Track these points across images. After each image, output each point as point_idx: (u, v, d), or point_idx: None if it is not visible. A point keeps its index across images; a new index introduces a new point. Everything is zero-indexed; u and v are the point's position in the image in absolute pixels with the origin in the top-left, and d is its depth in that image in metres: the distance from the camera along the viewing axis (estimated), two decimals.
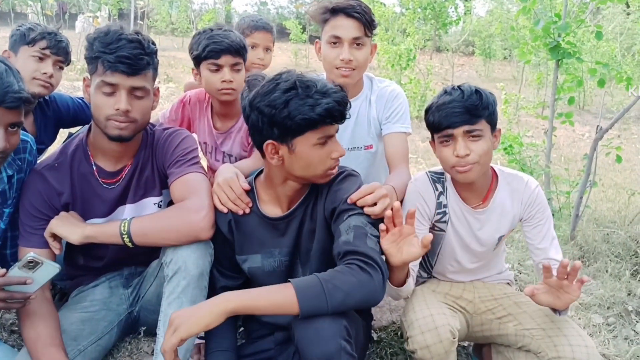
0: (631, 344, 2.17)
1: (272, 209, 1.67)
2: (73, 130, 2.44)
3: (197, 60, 2.13)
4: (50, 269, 1.53)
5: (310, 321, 1.34)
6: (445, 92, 1.70)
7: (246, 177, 1.75)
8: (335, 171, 1.56)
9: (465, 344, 2.10)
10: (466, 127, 1.64)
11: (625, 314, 2.37)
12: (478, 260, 1.92)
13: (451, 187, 1.84)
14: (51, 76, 2.17)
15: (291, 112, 1.45)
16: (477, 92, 1.67)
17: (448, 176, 1.85)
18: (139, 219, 1.66)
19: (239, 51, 2.12)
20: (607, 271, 2.76)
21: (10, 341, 1.94)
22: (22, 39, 2.15)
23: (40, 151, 2.32)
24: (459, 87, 1.70)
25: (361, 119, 2.19)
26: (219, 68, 2.10)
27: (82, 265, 1.91)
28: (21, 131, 1.73)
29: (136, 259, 1.92)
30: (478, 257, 1.91)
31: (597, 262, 2.86)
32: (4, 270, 1.48)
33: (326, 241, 1.61)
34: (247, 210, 1.65)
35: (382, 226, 1.52)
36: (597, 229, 3.14)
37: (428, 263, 1.97)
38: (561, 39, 3.35)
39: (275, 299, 1.35)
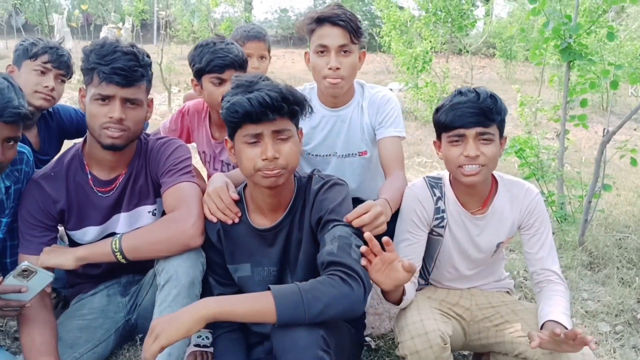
0: (639, 353, 2.10)
1: (260, 219, 1.67)
2: (78, 141, 2.49)
3: (199, 73, 2.15)
4: (44, 277, 1.57)
5: (287, 330, 1.34)
6: (460, 92, 1.69)
7: (237, 186, 1.76)
8: (273, 173, 1.50)
9: (466, 353, 2.06)
10: (479, 129, 1.64)
11: (634, 322, 2.29)
12: (476, 267, 1.89)
13: (450, 192, 1.82)
14: (53, 89, 2.22)
15: (223, 109, 1.51)
16: (492, 96, 1.67)
17: (446, 181, 1.83)
18: (129, 235, 1.68)
19: (242, 65, 2.15)
20: (617, 277, 2.68)
21: (13, 348, 1.99)
22: (25, 54, 2.21)
23: (45, 162, 2.34)
24: (474, 89, 1.68)
25: (354, 125, 2.19)
26: (222, 82, 2.12)
27: (80, 273, 1.94)
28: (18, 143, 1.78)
29: (133, 266, 1.92)
30: (476, 264, 1.88)
31: (607, 268, 2.78)
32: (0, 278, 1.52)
33: (313, 251, 1.61)
34: (236, 220, 1.66)
35: (362, 261, 1.48)
36: (608, 234, 3.05)
37: (425, 270, 1.95)
38: (572, 40, 3.28)
39: (254, 306, 1.35)
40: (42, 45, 2.21)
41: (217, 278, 1.73)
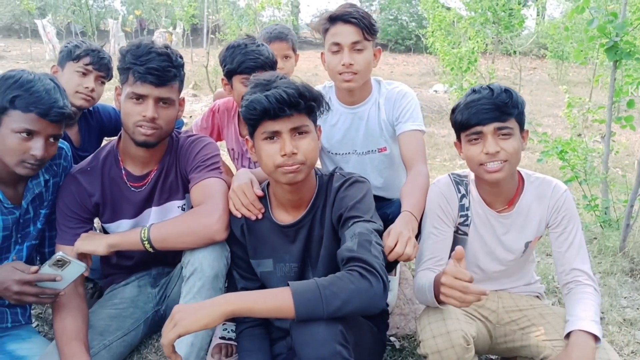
0: None
1: (283, 215, 1.69)
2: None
3: (230, 73, 2.20)
4: (77, 268, 1.65)
5: (306, 325, 1.36)
6: (474, 91, 1.68)
7: (262, 182, 1.79)
8: (292, 169, 1.52)
9: (493, 358, 2.01)
10: (496, 124, 1.62)
11: None
12: (503, 268, 1.85)
13: (474, 190, 1.79)
14: (92, 90, 2.33)
15: (242, 107, 1.53)
16: (507, 90, 1.65)
17: (471, 178, 1.81)
18: (158, 225, 1.74)
19: (272, 66, 2.19)
20: None
21: (51, 334, 2.09)
22: (69, 55, 2.33)
23: (84, 158, 2.47)
24: (487, 86, 1.67)
25: (372, 122, 2.20)
26: None
27: (114, 264, 2.03)
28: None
29: (163, 259, 2.01)
30: (503, 264, 1.84)
31: None
32: (36, 267, 1.61)
33: (333, 247, 1.61)
34: (260, 216, 1.69)
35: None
36: None
37: None
38: (619, 38, 3.15)
39: (273, 302, 1.37)
40: (85, 47, 2.32)
41: (240, 272, 1.77)
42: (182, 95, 1.88)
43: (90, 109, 2.50)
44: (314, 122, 1.60)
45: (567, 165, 3.39)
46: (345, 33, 2.04)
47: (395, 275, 2.32)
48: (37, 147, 1.64)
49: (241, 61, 2.14)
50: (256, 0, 10.65)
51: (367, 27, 2.04)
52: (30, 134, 1.63)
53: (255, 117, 1.51)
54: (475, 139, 1.65)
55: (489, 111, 1.61)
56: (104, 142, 2.62)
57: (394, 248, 1.56)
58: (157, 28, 19.23)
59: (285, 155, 1.50)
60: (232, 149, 2.42)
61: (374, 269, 1.41)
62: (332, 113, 2.19)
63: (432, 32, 9.18)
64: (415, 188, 1.86)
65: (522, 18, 8.39)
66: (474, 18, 7.96)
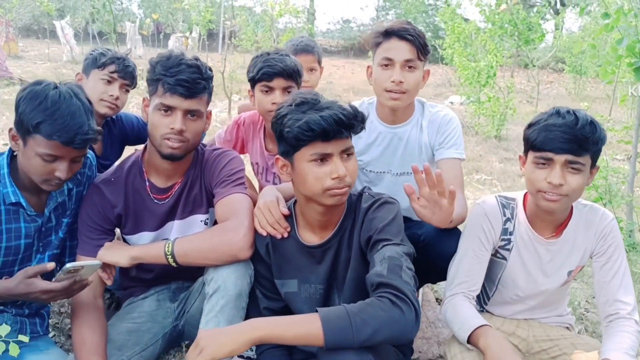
0: None
1: (309, 236, 1.66)
2: (139, 147, 2.58)
3: (252, 82, 2.19)
4: (92, 267, 1.63)
5: (335, 354, 1.32)
6: (558, 113, 1.57)
7: (288, 200, 1.76)
8: (341, 192, 1.50)
9: None
10: (569, 157, 1.53)
11: None
12: (541, 296, 1.78)
13: (522, 215, 1.73)
14: (117, 98, 2.32)
15: (285, 127, 1.48)
16: (592, 123, 1.54)
17: (519, 202, 1.74)
18: (182, 240, 1.71)
19: (291, 75, 2.15)
20: None
21: (67, 345, 2.06)
22: (94, 63, 2.31)
23: (106, 167, 2.45)
24: (573, 112, 1.56)
25: (411, 144, 2.14)
26: (270, 90, 2.14)
27: (134, 276, 2.00)
28: None
29: (183, 273, 1.97)
30: (543, 293, 1.77)
31: None
32: (52, 264, 1.60)
33: (361, 270, 1.57)
34: (285, 235, 1.66)
35: (408, 189, 1.57)
36: None
37: (485, 294, 1.87)
38: None
39: (301, 330, 1.33)
40: (110, 55, 2.31)
41: (263, 291, 1.73)
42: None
43: (114, 117, 2.49)
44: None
45: (591, 187, 3.32)
46: (400, 49, 1.99)
47: (417, 297, 2.27)
48: (61, 169, 1.62)
49: (260, 68, 2.13)
50: (273, 8, 10.70)
51: (421, 46, 2.00)
52: (54, 158, 1.60)
53: (308, 138, 1.47)
54: (542, 164, 1.57)
55: (567, 142, 1.51)
56: (125, 151, 2.60)
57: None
58: (174, 32, 19.37)
59: (337, 178, 1.47)
60: (257, 163, 2.39)
61: (405, 296, 1.36)
62: (370, 130, 2.14)
63: (451, 44, 9.15)
64: (457, 209, 1.80)
65: (543, 32, 8.32)
66: (494, 31, 7.90)
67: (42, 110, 1.56)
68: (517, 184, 5.88)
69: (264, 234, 1.66)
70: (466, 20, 10.46)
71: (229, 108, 8.87)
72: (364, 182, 2.22)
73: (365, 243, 1.57)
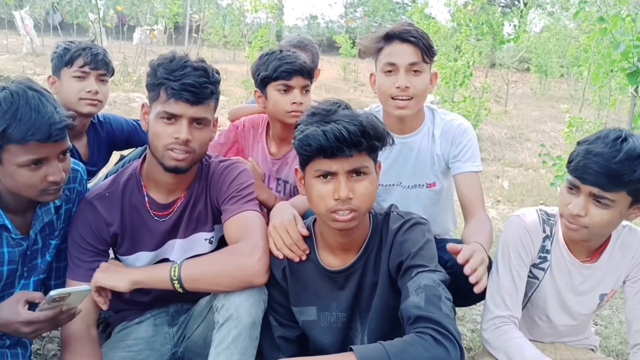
0: None
1: (330, 259, 1.52)
2: (125, 152, 2.39)
3: (265, 82, 2.04)
4: (81, 293, 1.45)
5: None
6: (606, 138, 1.40)
7: (303, 215, 1.62)
8: (344, 218, 1.36)
9: None
10: (595, 190, 1.40)
11: None
12: (571, 319, 1.69)
13: (560, 234, 1.62)
14: (97, 92, 2.12)
15: (295, 137, 1.38)
16: (637, 159, 1.35)
17: (559, 220, 1.62)
18: (190, 263, 1.55)
19: (309, 73, 2.05)
20: None
21: None
22: (61, 62, 2.10)
23: (93, 173, 2.27)
24: (623, 140, 1.37)
25: (423, 155, 2.03)
26: (289, 89, 2.02)
27: (127, 299, 1.81)
28: (72, 160, 1.67)
29: (184, 295, 1.79)
30: (573, 317, 1.68)
31: None
32: (40, 294, 1.44)
33: (389, 298, 1.45)
34: (304, 258, 1.52)
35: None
36: None
37: None
38: None
39: None
40: (75, 48, 2.09)
41: (278, 318, 1.59)
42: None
43: (101, 119, 2.29)
44: (375, 160, 1.42)
45: None
46: (403, 53, 1.87)
47: None
48: (52, 172, 1.43)
49: (277, 66, 1.99)
50: (243, 3, 10.47)
51: (426, 48, 1.88)
52: (39, 162, 1.41)
53: (308, 154, 1.34)
54: (570, 189, 1.47)
55: (596, 174, 1.37)
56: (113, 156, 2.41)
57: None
58: (139, 24, 18.78)
59: (339, 199, 1.33)
60: None
61: (448, 332, 1.24)
62: None
63: None
64: (484, 232, 1.72)
65: (518, 33, 8.39)
66: (469, 31, 7.91)
67: (0, 116, 1.35)
68: (495, 184, 5.90)
69: (280, 256, 1.52)
70: (433, 18, 10.49)
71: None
72: None
73: (395, 269, 1.44)
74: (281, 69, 1.99)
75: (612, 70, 3.76)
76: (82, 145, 2.22)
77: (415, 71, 1.88)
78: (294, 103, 2.00)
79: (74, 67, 2.09)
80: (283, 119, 2.06)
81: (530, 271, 1.65)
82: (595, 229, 1.45)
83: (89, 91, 2.10)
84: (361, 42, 2.07)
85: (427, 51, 1.88)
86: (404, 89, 1.86)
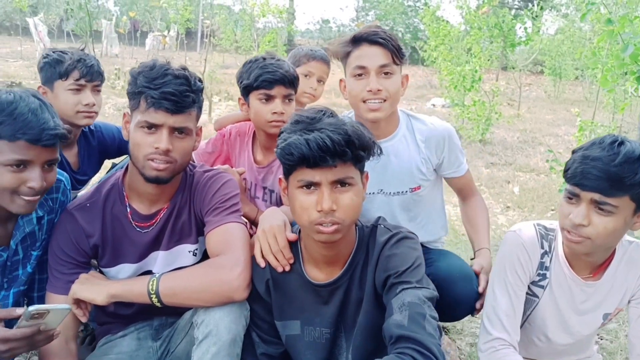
0: None
1: (315, 272, 1.47)
2: (117, 160, 2.36)
3: (247, 90, 2.01)
4: (61, 311, 1.40)
5: None
6: (602, 143, 1.35)
7: (292, 222, 1.57)
8: (328, 230, 1.31)
9: None
10: (596, 196, 1.33)
11: None
12: (572, 339, 1.61)
13: (560, 250, 1.54)
14: (93, 104, 2.09)
15: (278, 148, 1.34)
16: (637, 161, 1.31)
17: (558, 235, 1.55)
18: (168, 277, 1.51)
19: (292, 82, 1.99)
20: None
21: None
22: (54, 73, 2.06)
23: (83, 182, 2.24)
24: (619, 144, 1.33)
25: (404, 160, 1.95)
26: (270, 99, 1.97)
27: (111, 312, 1.78)
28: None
29: (167, 308, 1.76)
30: (574, 337, 1.61)
31: None
32: (20, 310, 1.35)
33: (375, 314, 1.40)
34: (287, 268, 1.47)
35: None
36: None
37: None
38: None
39: None
40: (69, 61, 2.06)
41: (261, 334, 1.54)
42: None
43: (92, 128, 2.27)
44: (361, 171, 1.37)
45: None
46: (372, 55, 1.80)
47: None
48: (33, 178, 1.40)
49: (258, 75, 1.95)
50: (253, 7, 10.48)
51: (395, 49, 1.82)
52: (22, 164, 1.39)
53: (291, 163, 1.29)
54: (570, 198, 1.40)
55: (596, 179, 1.32)
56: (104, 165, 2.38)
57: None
58: (151, 30, 18.94)
59: (322, 211, 1.28)
60: (245, 179, 2.18)
61: (430, 353, 1.18)
62: None
63: (435, 46, 9.04)
64: (483, 219, 1.94)
65: (529, 35, 8.27)
66: (479, 34, 7.82)
67: None
68: (505, 190, 5.78)
69: (262, 265, 1.47)
70: (447, 22, 10.40)
71: (209, 109, 8.62)
72: None
73: (381, 284, 1.38)
74: (262, 78, 1.94)
75: (625, 73, 3.64)
76: (72, 154, 2.19)
77: (386, 73, 1.82)
78: (274, 113, 1.96)
79: (70, 80, 2.06)
80: (264, 128, 2.02)
81: (529, 289, 1.58)
82: (599, 240, 1.37)
83: (87, 104, 2.08)
84: (329, 47, 2.01)
85: (396, 52, 1.82)
86: (376, 92, 1.80)
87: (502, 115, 8.19)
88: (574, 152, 1.42)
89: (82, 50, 2.17)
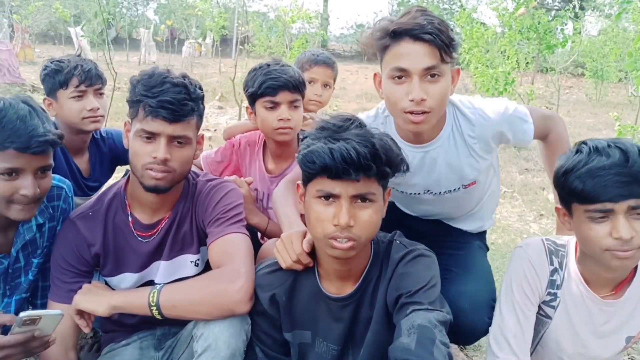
0: None
1: (328, 284, 1.42)
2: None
3: (253, 98, 1.97)
4: (53, 318, 1.39)
5: None
6: (597, 150, 1.28)
7: None
8: (343, 246, 1.24)
9: None
10: (632, 202, 1.24)
11: None
12: None
13: (573, 267, 1.43)
14: (98, 108, 2.10)
15: (300, 155, 1.27)
16: None
17: (570, 251, 1.45)
18: (169, 288, 1.48)
19: (297, 87, 1.94)
20: None
21: None
22: (54, 84, 2.07)
23: (95, 189, 2.25)
24: (615, 144, 1.27)
25: (452, 163, 1.74)
26: (275, 105, 1.93)
27: (115, 320, 1.76)
28: (57, 177, 1.64)
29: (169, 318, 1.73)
30: None
31: None
32: (10, 316, 1.37)
33: (384, 334, 1.33)
34: (310, 264, 1.42)
35: None
36: None
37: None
38: None
39: None
40: (66, 69, 2.06)
41: (264, 349, 1.49)
42: (202, 123, 1.61)
43: (103, 134, 2.28)
44: (384, 187, 1.30)
45: None
46: (415, 54, 1.48)
47: None
48: (25, 185, 1.40)
49: (262, 82, 1.91)
50: (286, 14, 10.52)
51: (445, 45, 1.48)
52: (14, 172, 1.39)
53: (311, 171, 1.24)
54: (601, 217, 1.28)
55: (624, 185, 1.22)
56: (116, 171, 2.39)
57: None
58: (188, 38, 19.31)
59: (338, 225, 1.22)
60: (256, 190, 2.14)
61: None
62: None
63: (469, 49, 8.85)
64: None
65: (566, 37, 8.00)
66: (513, 36, 7.60)
67: None
68: (539, 197, 5.57)
69: (284, 265, 1.43)
70: (483, 24, 10.16)
71: (239, 116, 8.67)
72: (399, 201, 1.92)
73: (393, 302, 1.32)
74: (265, 85, 1.90)
75: None
76: (83, 161, 2.21)
77: (432, 76, 1.50)
78: (280, 120, 1.91)
79: (70, 88, 2.07)
80: (272, 136, 1.98)
81: (540, 310, 1.47)
82: None
83: (91, 109, 2.09)
84: (360, 39, 1.67)
85: (446, 49, 1.49)
86: (419, 102, 1.50)
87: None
88: (566, 172, 1.31)
89: (79, 56, 2.18)
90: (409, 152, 1.70)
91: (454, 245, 1.94)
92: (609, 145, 1.27)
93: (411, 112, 1.53)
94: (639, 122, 8.10)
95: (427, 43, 1.48)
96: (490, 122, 1.69)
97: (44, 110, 1.45)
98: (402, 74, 1.52)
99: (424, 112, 1.52)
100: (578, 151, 1.31)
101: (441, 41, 1.48)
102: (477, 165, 1.76)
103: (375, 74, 1.68)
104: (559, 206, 1.40)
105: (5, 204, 1.41)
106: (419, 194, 1.85)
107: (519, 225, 4.60)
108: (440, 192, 1.82)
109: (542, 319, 1.48)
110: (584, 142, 1.32)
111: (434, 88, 1.51)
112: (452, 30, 1.52)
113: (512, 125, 1.71)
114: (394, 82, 1.54)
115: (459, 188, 1.81)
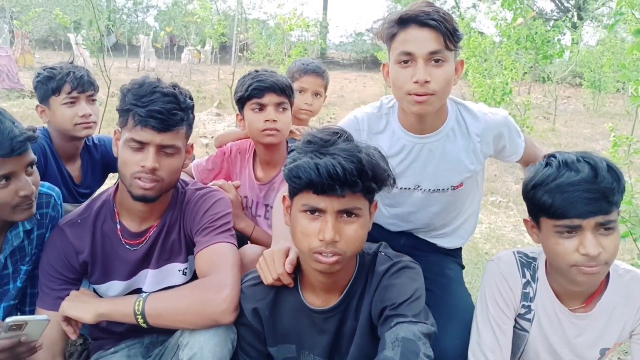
0: None
1: (312, 297, 1.42)
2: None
3: (242, 103, 2.01)
4: (40, 323, 1.39)
5: None
6: (567, 165, 1.28)
7: None
8: (328, 260, 1.24)
9: None
10: (600, 219, 1.25)
11: None
12: None
13: (543, 280, 1.44)
14: (90, 115, 2.12)
15: (285, 169, 1.27)
16: (611, 169, 1.27)
17: (540, 263, 1.45)
18: (155, 297, 1.48)
19: (283, 90, 1.97)
20: None
21: None
22: (47, 91, 2.09)
23: (87, 196, 2.25)
24: (584, 159, 1.28)
25: (449, 157, 1.77)
26: (262, 107, 1.96)
27: (103, 327, 1.76)
28: (47, 184, 1.65)
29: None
30: None
31: None
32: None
33: (368, 346, 1.34)
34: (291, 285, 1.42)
35: None
36: None
37: None
38: None
39: None
40: (58, 76, 2.08)
41: None
42: (195, 127, 1.64)
43: (95, 141, 2.29)
44: (371, 201, 1.30)
45: (621, 219, 3.03)
46: (421, 40, 1.56)
47: None
48: (22, 186, 1.42)
49: (249, 85, 1.95)
50: (285, 22, 10.57)
51: (449, 32, 1.55)
52: (7, 177, 1.40)
53: (297, 186, 1.24)
54: (568, 232, 1.28)
55: (593, 202, 1.23)
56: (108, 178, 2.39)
57: None
58: (187, 45, 19.38)
59: (323, 240, 1.22)
60: (245, 197, 2.14)
61: None
62: (392, 140, 1.79)
63: (466, 58, 8.89)
64: None
65: (563, 47, 8.04)
66: (510, 46, 7.64)
67: None
68: None
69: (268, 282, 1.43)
70: (481, 34, 10.22)
71: (237, 123, 8.70)
72: (385, 200, 1.92)
73: (377, 314, 1.32)
74: (252, 87, 1.94)
75: None
76: (75, 168, 2.21)
77: (436, 60, 1.57)
78: (267, 121, 1.93)
79: (62, 94, 2.08)
80: (259, 139, 1.99)
81: (517, 323, 1.48)
82: (612, 260, 1.29)
83: (83, 115, 2.10)
84: (372, 29, 1.72)
85: (450, 36, 1.56)
86: (423, 84, 1.56)
87: (534, 130, 7.96)
88: (535, 186, 1.31)
89: (71, 63, 2.19)
90: (409, 142, 1.77)
91: (430, 268, 1.93)
92: (578, 160, 1.27)
93: (416, 94, 1.59)
94: (634, 133, 8.13)
95: (432, 29, 1.56)
96: (494, 121, 1.76)
97: (5, 110, 1.45)
98: (408, 58, 1.59)
99: (428, 94, 1.59)
100: (547, 164, 1.31)
101: (445, 28, 1.56)
102: (470, 166, 1.80)
103: (383, 65, 1.76)
104: (527, 218, 1.41)
105: (10, 210, 1.44)
106: (409, 188, 1.87)
107: (514, 235, 4.61)
108: (429, 190, 1.85)
109: (519, 332, 1.48)
110: (553, 155, 1.33)
111: (438, 72, 1.58)
112: (456, 22, 1.60)
113: (510, 131, 1.80)
114: (400, 66, 1.61)
115: (448, 189, 1.85)
